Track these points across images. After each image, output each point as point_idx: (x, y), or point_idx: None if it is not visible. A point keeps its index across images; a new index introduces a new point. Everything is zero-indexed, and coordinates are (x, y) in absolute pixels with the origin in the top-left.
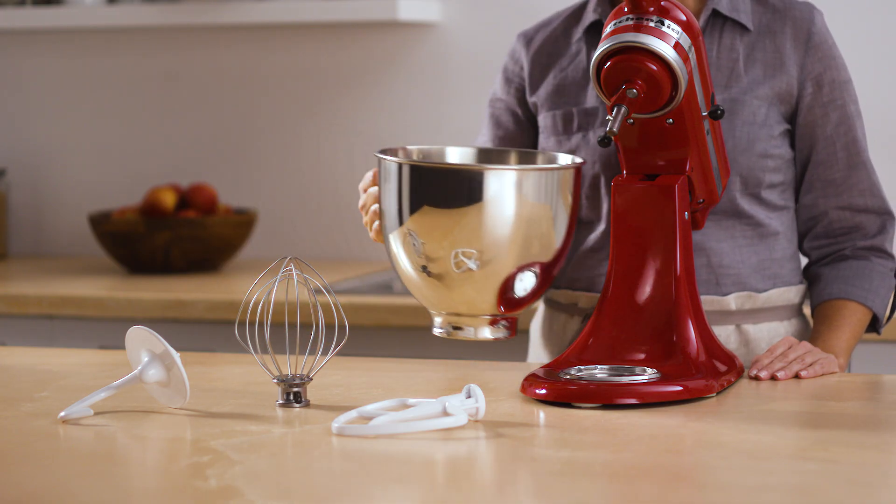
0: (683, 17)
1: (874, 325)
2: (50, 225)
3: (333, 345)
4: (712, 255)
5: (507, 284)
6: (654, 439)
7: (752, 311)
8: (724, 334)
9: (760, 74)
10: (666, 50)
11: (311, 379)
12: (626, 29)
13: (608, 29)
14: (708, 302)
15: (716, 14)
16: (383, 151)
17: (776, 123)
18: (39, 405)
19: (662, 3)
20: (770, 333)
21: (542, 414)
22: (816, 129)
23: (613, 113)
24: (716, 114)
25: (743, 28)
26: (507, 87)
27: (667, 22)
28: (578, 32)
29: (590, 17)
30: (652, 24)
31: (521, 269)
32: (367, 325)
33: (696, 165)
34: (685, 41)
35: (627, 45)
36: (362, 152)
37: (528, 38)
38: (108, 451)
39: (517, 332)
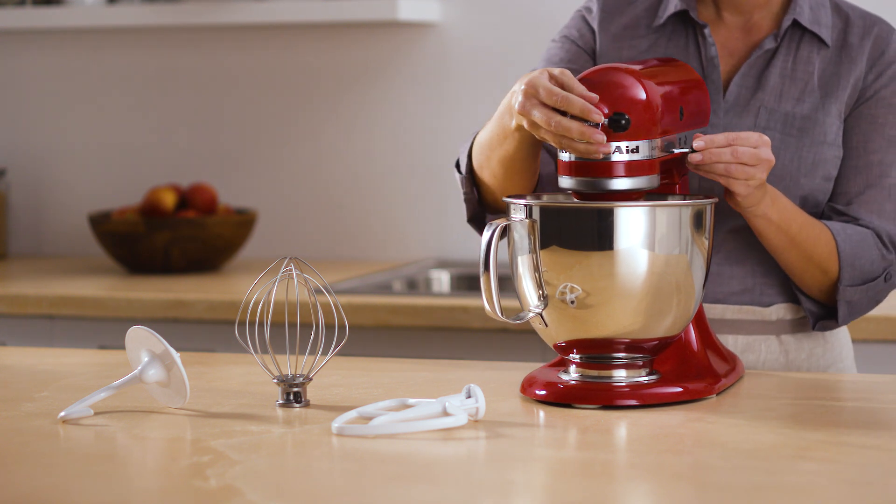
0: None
1: (833, 293)
2: (50, 225)
3: (333, 345)
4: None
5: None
6: (654, 439)
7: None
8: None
9: (835, 91)
10: (629, 184)
11: (311, 379)
12: (589, 170)
13: (564, 156)
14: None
15: (795, 24)
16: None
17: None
18: (39, 405)
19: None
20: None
21: (542, 414)
22: (843, 137)
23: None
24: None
25: (821, 42)
26: (581, 28)
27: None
28: (660, 19)
29: (673, 4)
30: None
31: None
32: (367, 325)
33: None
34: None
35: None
36: (362, 152)
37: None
38: (108, 451)
39: (515, 332)
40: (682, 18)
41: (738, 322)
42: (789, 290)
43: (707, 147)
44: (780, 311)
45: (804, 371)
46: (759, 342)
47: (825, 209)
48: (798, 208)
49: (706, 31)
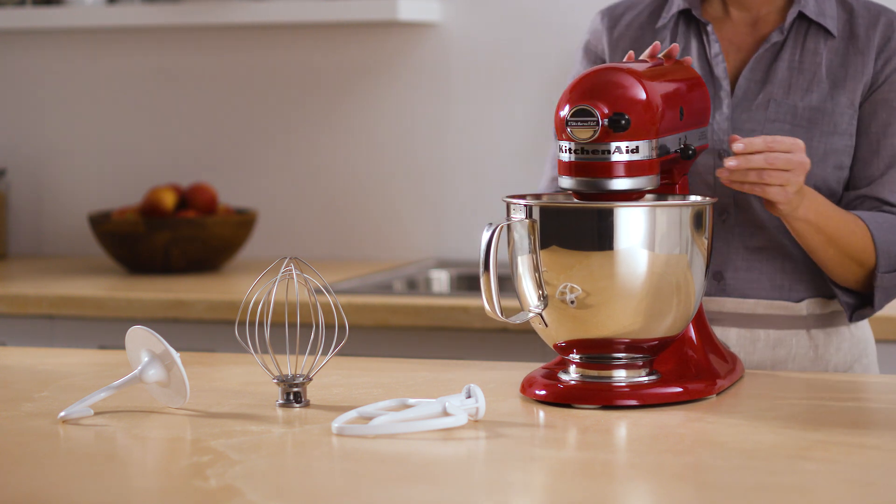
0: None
1: (870, 281)
2: (50, 225)
3: (333, 345)
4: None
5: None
6: (654, 439)
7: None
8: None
9: (844, 80)
10: (630, 184)
11: (311, 379)
12: (589, 170)
13: (564, 156)
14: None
15: (801, 17)
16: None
17: (855, 132)
18: (39, 405)
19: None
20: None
21: (542, 414)
22: (860, 124)
23: None
24: (686, 154)
25: (827, 33)
26: (591, 64)
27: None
28: (664, 20)
29: (676, 3)
30: (612, 157)
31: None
32: (367, 325)
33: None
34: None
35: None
36: (362, 152)
37: (613, 18)
38: (108, 451)
39: (515, 332)
40: (686, 17)
41: (770, 317)
42: (819, 284)
43: (745, 150)
44: (810, 305)
45: (832, 365)
46: (789, 337)
47: (849, 195)
48: (833, 204)
49: (709, 28)
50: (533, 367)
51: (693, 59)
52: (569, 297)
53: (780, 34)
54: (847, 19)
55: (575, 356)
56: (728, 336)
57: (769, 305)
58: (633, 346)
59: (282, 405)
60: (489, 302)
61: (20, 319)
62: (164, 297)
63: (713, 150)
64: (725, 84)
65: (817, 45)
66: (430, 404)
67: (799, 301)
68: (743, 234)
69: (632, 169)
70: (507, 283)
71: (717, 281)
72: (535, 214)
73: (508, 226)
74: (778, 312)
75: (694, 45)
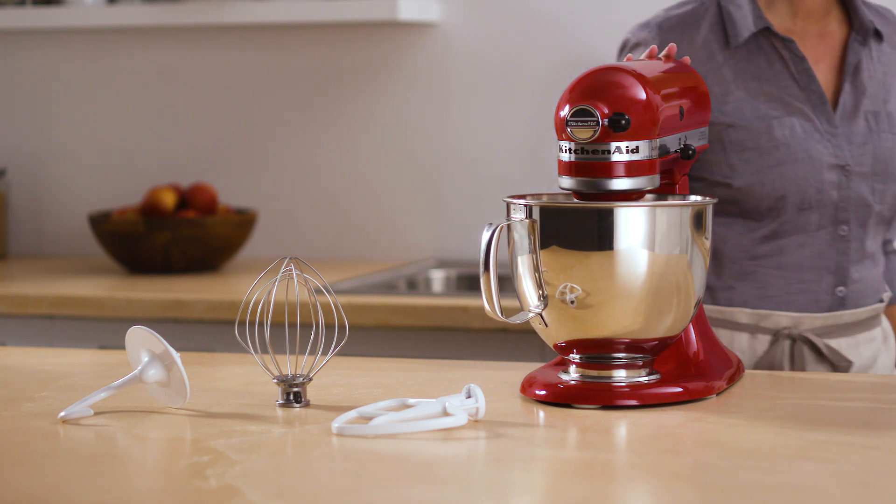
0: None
1: None
2: (50, 225)
3: (333, 345)
4: (880, 263)
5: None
6: (654, 439)
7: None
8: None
9: None
10: (630, 184)
11: (311, 379)
12: (589, 169)
13: (564, 156)
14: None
15: (864, 25)
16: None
17: None
18: (39, 405)
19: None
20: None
21: (542, 414)
22: None
23: None
24: (686, 154)
25: (879, 38)
26: None
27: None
28: (739, 39)
29: (748, 21)
30: (612, 157)
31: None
32: (367, 325)
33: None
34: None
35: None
36: (362, 152)
37: (667, 39)
38: (108, 451)
39: (515, 332)
40: (757, 34)
41: (870, 320)
42: (885, 280)
43: None
44: (885, 299)
45: (890, 342)
46: (876, 332)
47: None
48: None
49: (794, 45)
50: (533, 367)
51: (776, 77)
52: (569, 297)
53: (862, 44)
54: (879, 23)
55: (575, 356)
56: (840, 345)
57: (872, 310)
58: (633, 346)
59: (282, 405)
60: (489, 302)
61: (20, 319)
62: (164, 297)
63: (837, 166)
64: (825, 98)
65: (878, 53)
66: (430, 404)
67: (881, 301)
68: (857, 247)
69: (632, 169)
70: (507, 283)
71: (838, 295)
72: (535, 214)
73: (508, 226)
74: (873, 314)
75: (775, 62)
